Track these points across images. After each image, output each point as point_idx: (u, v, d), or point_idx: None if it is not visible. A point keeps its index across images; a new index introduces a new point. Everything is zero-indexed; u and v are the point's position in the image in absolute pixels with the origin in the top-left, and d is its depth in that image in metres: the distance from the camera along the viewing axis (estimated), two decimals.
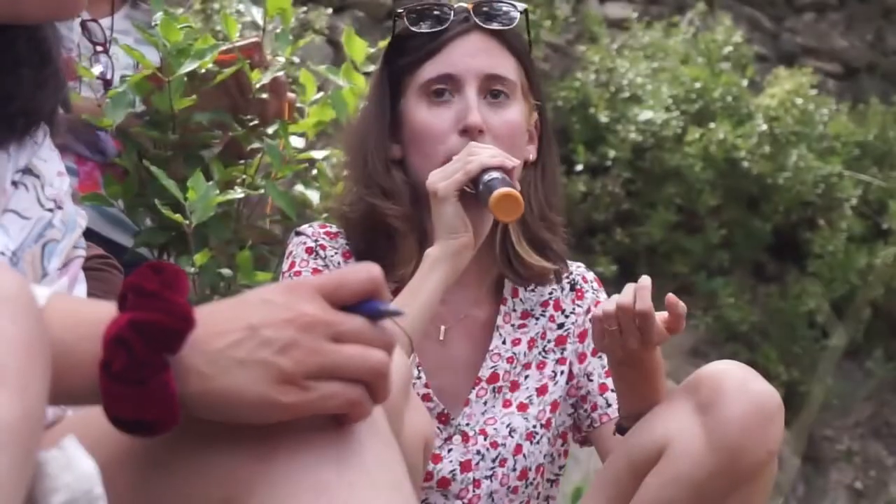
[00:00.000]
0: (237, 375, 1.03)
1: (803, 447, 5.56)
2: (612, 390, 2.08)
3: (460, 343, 2.09)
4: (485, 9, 2.07)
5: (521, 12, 2.08)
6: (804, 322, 5.88)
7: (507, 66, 2.06)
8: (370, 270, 1.08)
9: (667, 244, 5.88)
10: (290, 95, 2.63)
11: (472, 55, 2.05)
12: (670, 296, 1.88)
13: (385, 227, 2.06)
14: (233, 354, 1.03)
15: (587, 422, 2.11)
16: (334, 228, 2.11)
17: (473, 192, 1.95)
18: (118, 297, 1.03)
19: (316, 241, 2.08)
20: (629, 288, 1.88)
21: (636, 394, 1.96)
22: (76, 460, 1.00)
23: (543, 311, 2.14)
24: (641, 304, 1.85)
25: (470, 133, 2.01)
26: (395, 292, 2.07)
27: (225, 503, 1.08)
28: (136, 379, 1.00)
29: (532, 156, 2.11)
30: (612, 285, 4.97)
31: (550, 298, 2.15)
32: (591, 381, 2.11)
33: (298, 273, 2.05)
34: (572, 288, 2.16)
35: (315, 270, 2.05)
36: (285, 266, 2.08)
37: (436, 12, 2.08)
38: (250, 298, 1.06)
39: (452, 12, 2.06)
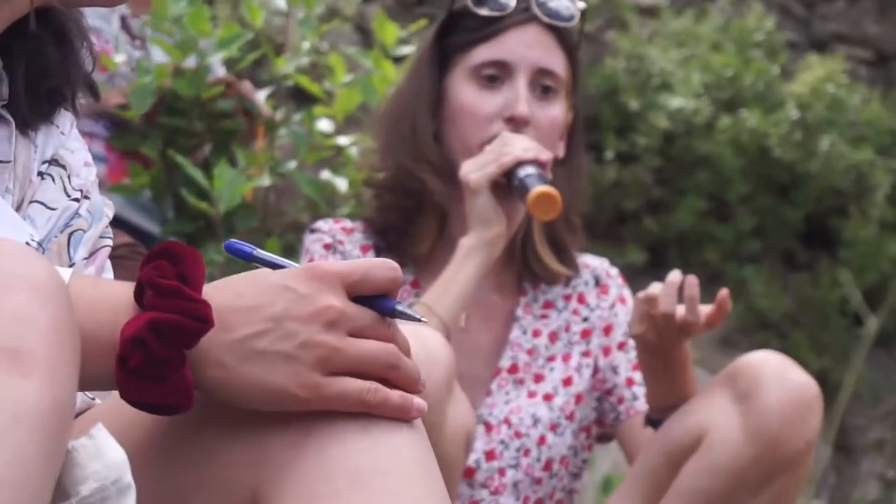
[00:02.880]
0: (257, 366, 1.03)
1: (834, 436, 5.54)
2: (640, 384, 2.08)
3: (481, 330, 2.09)
4: (546, 2, 2.07)
5: (580, 11, 2.09)
6: (835, 310, 5.86)
7: (558, 63, 2.08)
8: (394, 269, 1.08)
9: (697, 232, 5.86)
10: (264, 110, 2.68)
11: (529, 46, 2.06)
12: (723, 293, 1.87)
13: (419, 203, 2.06)
14: (253, 345, 1.03)
15: (612, 415, 2.11)
16: (349, 224, 2.12)
17: (506, 183, 1.95)
18: (135, 288, 1.03)
19: (333, 236, 2.09)
20: (659, 287, 1.87)
21: (664, 386, 1.95)
22: (106, 449, 1.00)
23: (566, 304, 2.14)
24: (664, 307, 1.85)
25: (516, 123, 2.02)
26: (414, 284, 2.08)
27: (254, 490, 1.08)
28: (153, 375, 1.01)
29: (561, 153, 2.12)
30: (642, 273, 4.95)
31: (574, 291, 2.15)
32: (618, 374, 2.11)
33: None
34: (597, 283, 2.16)
35: None
36: (303, 262, 2.08)
37: None
38: (272, 282, 1.05)
39: (514, 0, 2.07)
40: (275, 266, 1.11)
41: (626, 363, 2.11)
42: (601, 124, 5.92)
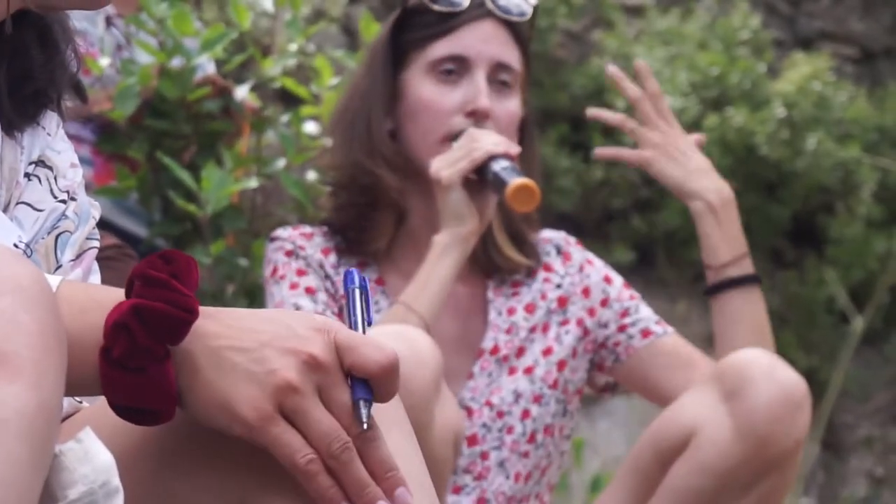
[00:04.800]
0: (223, 377, 1.03)
1: (822, 434, 5.55)
2: (633, 325, 2.11)
3: (447, 321, 2.10)
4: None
5: (533, 6, 2.12)
6: (823, 308, 5.86)
7: (513, 57, 2.11)
8: (385, 355, 1.04)
9: (685, 231, 5.86)
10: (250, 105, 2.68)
11: (485, 41, 2.08)
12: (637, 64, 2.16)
13: (375, 199, 2.08)
14: (229, 357, 1.03)
15: (611, 358, 2.13)
16: (309, 229, 2.14)
17: (476, 178, 1.97)
18: (126, 284, 1.03)
19: (293, 243, 2.09)
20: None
21: (722, 231, 2.03)
22: (93, 452, 0.99)
23: (535, 277, 2.16)
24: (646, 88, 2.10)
25: (477, 116, 2.04)
26: (379, 282, 2.09)
27: (242, 495, 1.07)
28: (136, 366, 1.00)
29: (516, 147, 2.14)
30: (630, 273, 4.95)
31: (537, 265, 2.17)
32: (608, 328, 2.13)
33: (283, 277, 2.06)
34: (559, 252, 2.18)
35: (299, 271, 2.07)
36: (267, 272, 2.10)
37: None
38: (278, 318, 1.06)
39: None
40: (350, 314, 1.09)
41: (614, 316, 2.14)
42: (588, 124, 5.92)
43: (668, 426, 1.92)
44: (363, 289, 1.11)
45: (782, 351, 5.89)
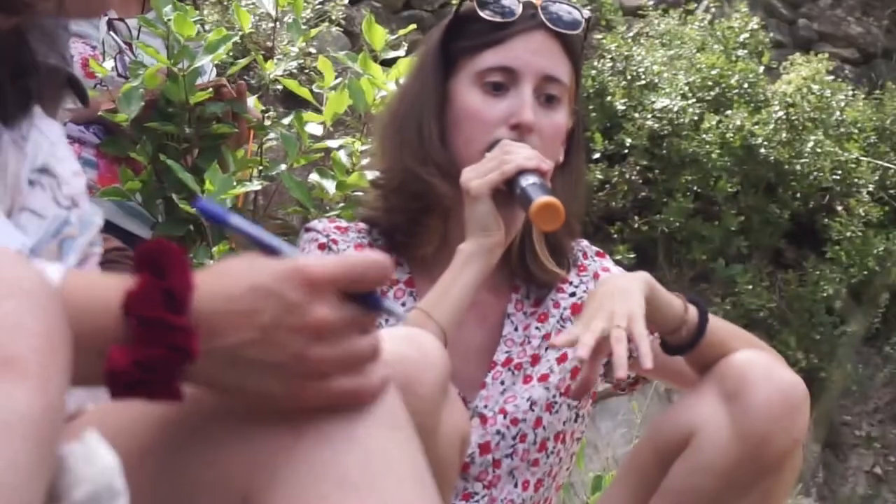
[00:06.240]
0: (246, 375, 1.04)
1: (823, 433, 5.56)
2: None
3: (473, 328, 2.09)
4: (553, 10, 2.07)
5: (585, 19, 2.09)
6: (822, 308, 5.87)
7: (563, 70, 2.07)
8: (387, 268, 1.08)
9: (684, 231, 5.87)
10: (254, 112, 2.68)
11: (535, 53, 2.05)
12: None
13: (427, 205, 2.06)
14: (244, 354, 1.03)
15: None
16: (344, 223, 2.13)
17: (506, 191, 1.96)
18: (122, 304, 1.02)
19: (327, 236, 2.09)
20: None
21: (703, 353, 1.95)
22: (97, 453, 1.00)
23: (550, 288, 2.15)
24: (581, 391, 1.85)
25: (521, 129, 2.02)
26: (409, 282, 2.08)
27: (245, 495, 1.08)
28: (143, 394, 1.02)
29: (561, 158, 2.12)
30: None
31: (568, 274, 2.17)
32: None
33: None
34: (574, 263, 2.17)
35: None
36: None
37: (504, 2, 2.08)
38: (264, 286, 1.04)
39: (521, 6, 2.06)
40: (251, 239, 1.09)
41: None
42: (588, 125, 5.92)
43: (668, 426, 1.93)
44: (219, 218, 1.10)
45: (783, 350, 5.87)
